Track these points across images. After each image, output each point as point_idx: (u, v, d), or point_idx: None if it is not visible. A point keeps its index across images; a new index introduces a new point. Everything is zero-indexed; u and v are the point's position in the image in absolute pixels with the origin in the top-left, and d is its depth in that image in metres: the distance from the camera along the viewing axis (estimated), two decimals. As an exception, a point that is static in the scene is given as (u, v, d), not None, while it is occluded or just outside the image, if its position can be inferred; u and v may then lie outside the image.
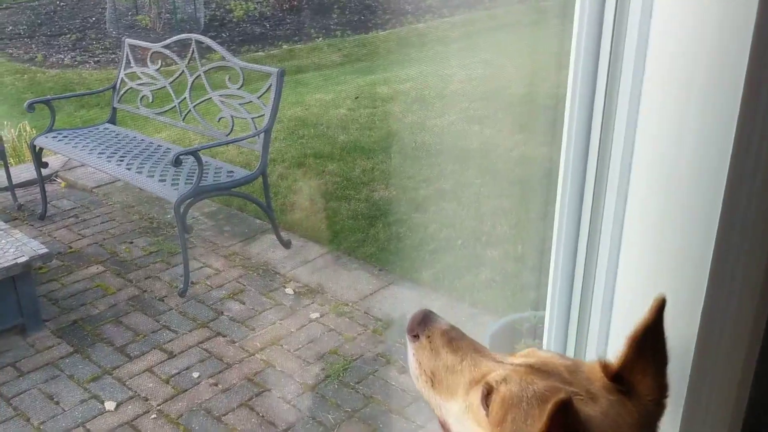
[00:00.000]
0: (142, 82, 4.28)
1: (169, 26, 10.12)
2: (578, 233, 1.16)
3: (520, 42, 9.06)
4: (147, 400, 2.73)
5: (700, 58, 0.79)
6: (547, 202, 3.95)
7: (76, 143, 3.93)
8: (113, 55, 8.97)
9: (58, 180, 4.73)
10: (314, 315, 3.25)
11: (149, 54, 4.27)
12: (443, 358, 0.77)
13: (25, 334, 3.08)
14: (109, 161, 3.70)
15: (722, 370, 0.87)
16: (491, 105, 5.81)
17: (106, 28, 10.36)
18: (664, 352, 0.71)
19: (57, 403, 2.71)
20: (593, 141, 1.11)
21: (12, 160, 5.03)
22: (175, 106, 4.07)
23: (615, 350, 1.16)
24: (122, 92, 4.36)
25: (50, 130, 4.08)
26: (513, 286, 3.35)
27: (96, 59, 9.10)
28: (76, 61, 9.01)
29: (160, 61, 4.25)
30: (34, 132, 4.88)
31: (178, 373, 2.88)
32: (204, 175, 3.46)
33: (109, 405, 2.70)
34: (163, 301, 3.37)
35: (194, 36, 4.02)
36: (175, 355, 2.99)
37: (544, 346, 1.27)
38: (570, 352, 1.24)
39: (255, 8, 11.46)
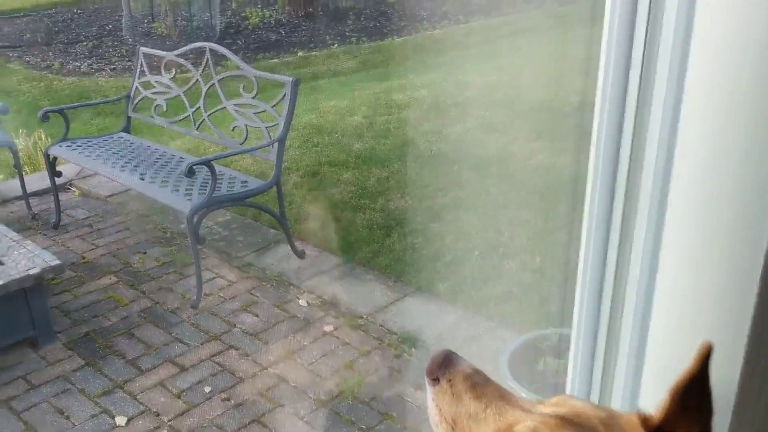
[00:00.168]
0: (156, 90, 4.25)
1: (185, 33, 10.15)
2: (606, 251, 1.10)
3: (537, 48, 8.99)
4: (158, 415, 2.69)
5: (748, 58, 0.72)
6: (566, 212, 3.87)
7: (89, 152, 3.91)
8: (129, 63, 9.00)
9: (73, 189, 4.72)
10: (328, 328, 3.19)
11: (163, 63, 4.25)
12: (466, 404, 0.71)
13: (37, 346, 3.05)
14: (123, 171, 3.67)
15: (764, 422, 0.80)
16: (508, 112, 5.74)
17: (122, 36, 10.41)
18: (709, 405, 0.64)
19: (67, 417, 2.67)
20: (623, 155, 1.04)
21: (27, 169, 5.02)
22: (189, 115, 4.04)
23: (648, 376, 1.09)
24: (136, 101, 4.34)
25: (64, 139, 4.07)
26: (532, 300, 3.27)
27: (112, 66, 9.13)
28: (92, 68, 9.05)
29: (174, 70, 4.22)
30: (49, 140, 4.88)
31: (190, 387, 2.84)
32: (217, 185, 3.42)
33: (120, 420, 2.66)
34: (175, 313, 3.33)
35: (208, 44, 3.99)
36: (187, 369, 2.94)
37: (569, 369, 1.20)
38: (597, 375, 1.18)
39: (270, 15, 11.47)
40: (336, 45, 10.14)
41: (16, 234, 3.26)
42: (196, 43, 4.16)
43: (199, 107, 3.96)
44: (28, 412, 2.69)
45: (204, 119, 3.92)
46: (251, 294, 3.47)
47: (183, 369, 2.95)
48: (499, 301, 3.28)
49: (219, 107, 3.88)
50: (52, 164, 4.02)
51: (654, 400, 1.07)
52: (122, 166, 3.72)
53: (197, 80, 4.00)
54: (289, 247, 3.73)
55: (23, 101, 7.73)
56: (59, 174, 4.13)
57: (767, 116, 0.72)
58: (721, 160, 0.80)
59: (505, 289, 3.37)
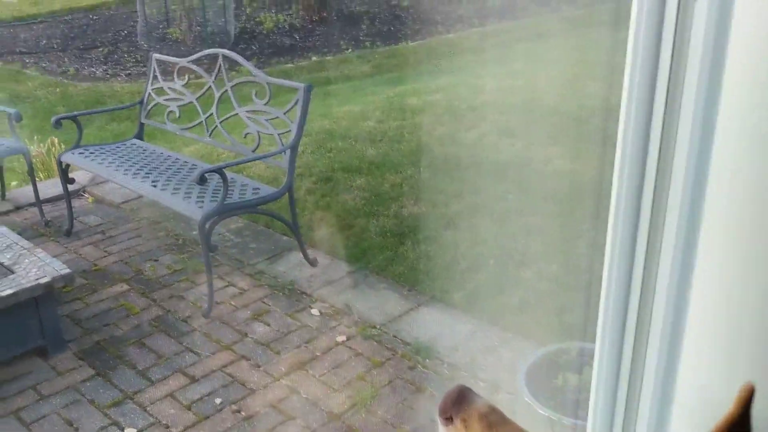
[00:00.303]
0: (169, 97, 4.23)
1: (200, 39, 10.16)
2: (633, 263, 1.04)
3: (552, 52, 8.90)
4: (168, 427, 2.65)
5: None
6: (584, 219, 3.80)
7: (102, 159, 3.89)
8: (144, 68, 9.02)
9: (86, 195, 4.71)
10: (341, 338, 3.14)
11: (176, 69, 4.22)
12: (482, 447, 0.66)
13: (47, 356, 3.02)
14: (135, 178, 3.65)
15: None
16: (524, 117, 5.67)
17: (137, 41, 10.45)
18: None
19: (76, 429, 2.64)
20: (650, 161, 0.98)
21: (41, 175, 5.02)
22: (201, 121, 4.01)
23: (679, 399, 1.02)
24: (149, 107, 4.32)
25: (77, 146, 4.05)
26: (549, 310, 3.20)
27: (127, 72, 9.16)
28: (107, 74, 9.08)
29: (187, 76, 4.20)
30: (63, 147, 4.87)
31: (200, 398, 2.80)
32: (229, 192, 3.38)
33: (130, 432, 2.63)
34: (186, 322, 3.30)
35: (221, 51, 3.96)
36: (198, 380, 2.90)
37: (593, 387, 1.14)
38: (621, 395, 1.12)
39: (285, 20, 11.47)
40: (350, 49, 10.11)
41: (27, 242, 3.24)
42: (208, 50, 4.14)
43: (211, 114, 3.94)
44: (37, 423, 2.66)
45: (216, 126, 3.89)
46: (263, 302, 3.43)
47: (194, 380, 2.91)
48: (515, 311, 3.21)
49: (231, 114, 3.85)
50: (64, 171, 4.01)
51: (683, 425, 1.01)
52: (134, 173, 3.69)
53: (210, 87, 3.97)
54: (301, 255, 3.69)
55: (39, 107, 7.76)
56: (72, 181, 4.11)
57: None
58: (765, 169, 0.74)
59: (521, 299, 3.30)
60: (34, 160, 4.98)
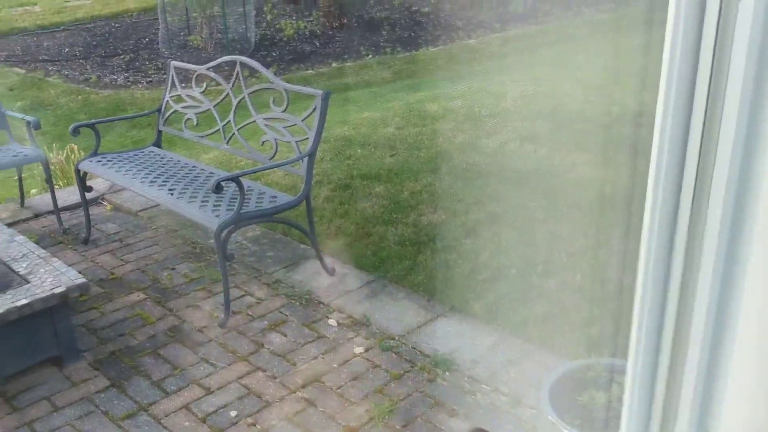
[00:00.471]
0: (187, 104, 4.21)
1: (221, 46, 10.20)
2: (669, 277, 0.97)
3: (575, 57, 8.80)
4: (182, 440, 2.60)
5: None
6: (609, 228, 3.70)
7: (119, 167, 3.87)
8: (165, 75, 9.06)
9: (105, 203, 4.70)
10: (358, 349, 3.07)
11: (194, 76, 4.20)
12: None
13: (62, 365, 2.99)
14: (152, 186, 3.62)
15: None
16: (546, 123, 5.58)
17: (158, 49, 10.50)
18: None
19: (90, 442, 2.60)
20: (689, 169, 0.92)
21: (61, 183, 5.03)
22: (219, 129, 3.97)
23: (717, 422, 0.94)
24: (167, 115, 4.30)
25: (95, 153, 4.04)
26: (573, 322, 3.11)
27: (148, 79, 9.20)
28: (129, 81, 9.13)
29: (205, 84, 4.17)
30: (82, 154, 4.88)
31: (215, 411, 2.74)
32: (246, 201, 3.34)
33: (143, 445, 2.58)
34: (202, 332, 3.25)
35: (239, 58, 3.93)
36: (213, 392, 2.85)
37: (625, 407, 1.07)
38: (655, 420, 1.04)
39: (305, 27, 11.48)
40: (370, 56, 10.08)
41: (43, 251, 3.22)
42: (226, 57, 4.10)
43: (229, 121, 3.90)
44: (50, 435, 2.63)
45: (234, 133, 3.86)
46: (280, 312, 3.37)
47: (209, 391, 2.85)
48: (538, 323, 3.12)
49: (249, 121, 3.81)
50: (82, 179, 3.99)
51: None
52: (151, 181, 3.66)
53: (228, 94, 3.94)
54: (318, 264, 3.63)
55: (60, 114, 7.82)
56: (90, 189, 4.10)
57: None
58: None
59: (544, 310, 3.21)
60: (53, 168, 4.99)
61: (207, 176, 3.78)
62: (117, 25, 12.25)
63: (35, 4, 13.92)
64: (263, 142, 3.72)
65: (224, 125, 3.94)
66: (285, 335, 3.20)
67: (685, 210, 0.91)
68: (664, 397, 1.03)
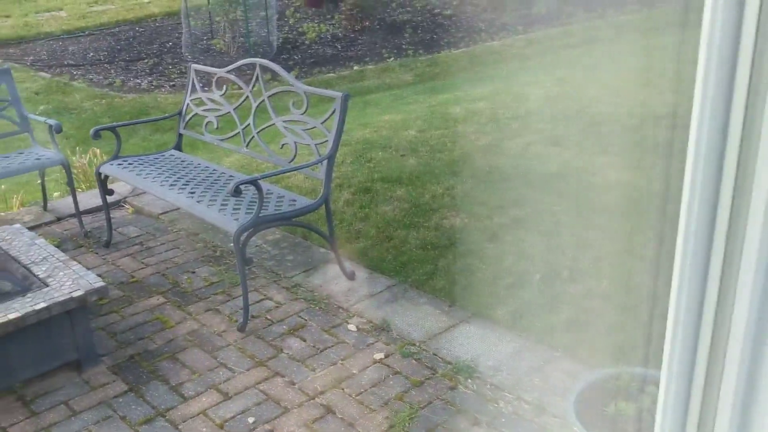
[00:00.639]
0: (207, 107, 4.19)
1: (243, 50, 10.23)
2: (706, 284, 0.91)
3: (601, 59, 8.68)
4: (199, 447, 2.56)
5: None
6: (638, 233, 3.61)
7: (140, 171, 3.86)
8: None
9: (126, 206, 4.70)
10: (378, 355, 3.02)
11: (215, 79, 4.18)
12: None
13: (81, 370, 2.98)
14: (171, 189, 3.60)
15: None
16: (571, 125, 5.48)
17: (182, 53, 10.56)
18: None
19: (107, 447, 2.58)
20: (727, 172, 0.86)
21: (83, 186, 5.05)
22: (239, 132, 3.95)
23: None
24: (188, 118, 4.29)
25: (116, 157, 4.04)
26: (599, 329, 3.02)
27: (171, 83, 9.25)
28: (152, 85, 9.19)
29: (225, 87, 4.16)
30: (104, 158, 4.88)
31: (233, 417, 2.70)
32: (265, 204, 3.30)
33: (160, 451, 2.55)
34: (221, 336, 3.22)
35: (258, 60, 3.90)
36: (231, 397, 2.82)
37: (658, 420, 1.01)
38: (692, 426, 0.98)
39: (327, 30, 11.48)
40: (392, 58, 10.04)
41: (63, 254, 3.21)
42: (246, 59, 4.08)
43: (248, 124, 3.88)
44: (68, 440, 2.61)
45: (254, 136, 3.83)
46: (299, 317, 3.33)
47: (227, 397, 2.82)
48: (563, 330, 3.05)
49: (268, 123, 3.78)
50: (103, 183, 3.99)
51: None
52: (171, 185, 3.65)
53: (247, 97, 3.91)
54: (338, 268, 3.59)
55: (85, 118, 7.88)
56: (111, 192, 4.09)
57: None
58: None
59: (569, 317, 3.13)
60: (76, 172, 5.02)
61: (227, 179, 3.75)
62: (141, 29, 12.36)
63: (61, 9, 14.10)
64: (283, 145, 3.69)
65: (244, 128, 3.92)
66: (304, 340, 3.16)
67: (723, 213, 0.86)
68: (700, 410, 0.97)
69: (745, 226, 0.83)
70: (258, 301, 3.47)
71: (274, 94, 3.81)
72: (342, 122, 3.36)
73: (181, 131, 4.30)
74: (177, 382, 2.92)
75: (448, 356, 2.97)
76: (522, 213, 4.12)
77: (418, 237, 3.94)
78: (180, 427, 2.66)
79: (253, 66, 3.92)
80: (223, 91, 4.11)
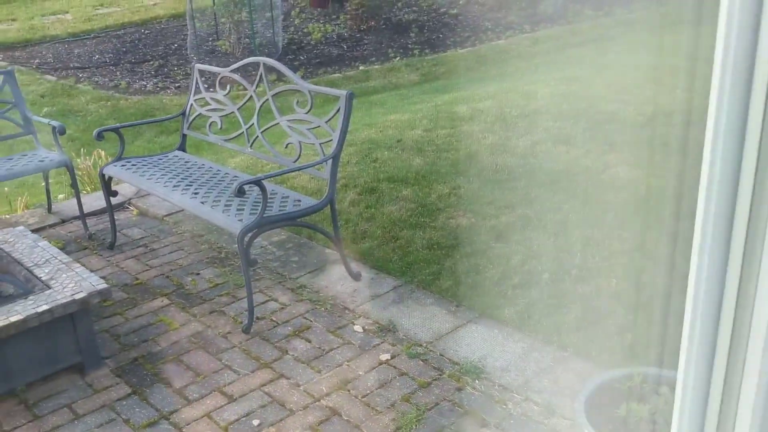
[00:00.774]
0: (211, 107, 4.16)
1: (248, 51, 10.21)
2: (724, 283, 0.87)
3: (608, 57, 8.62)
4: (203, 450, 2.53)
5: None
6: (647, 231, 3.56)
7: (143, 172, 3.83)
8: (193, 81, 9.09)
9: (131, 208, 4.68)
10: (384, 356, 2.98)
11: (218, 79, 4.15)
12: None
13: (84, 372, 2.95)
14: (175, 190, 3.57)
15: None
16: (578, 124, 5.43)
17: (187, 54, 10.55)
18: None
19: (110, 451, 2.54)
20: (746, 169, 0.82)
21: (88, 188, 5.04)
22: (243, 132, 3.92)
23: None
24: (192, 118, 4.26)
25: (119, 158, 4.01)
26: (609, 330, 2.97)
27: (177, 85, 9.24)
28: (158, 87, 9.18)
29: (229, 86, 4.13)
30: (109, 159, 4.86)
31: (238, 419, 2.67)
32: (269, 204, 3.27)
33: (164, 455, 2.52)
34: (226, 338, 3.18)
35: (262, 59, 3.87)
36: (236, 399, 2.78)
37: (675, 422, 0.97)
38: (711, 428, 0.94)
39: (333, 30, 11.46)
40: (398, 58, 10.00)
41: (66, 256, 3.18)
42: (249, 58, 4.05)
43: (252, 124, 3.84)
44: (71, 443, 2.58)
45: (258, 136, 3.80)
46: (304, 318, 3.30)
47: (231, 399, 2.78)
48: (572, 330, 3.00)
49: (273, 123, 3.75)
50: (107, 184, 3.96)
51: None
52: (174, 186, 3.62)
53: (251, 96, 3.88)
54: (344, 268, 3.55)
55: (90, 121, 7.88)
56: (114, 194, 4.07)
57: None
58: None
59: (578, 316, 3.08)
60: (81, 174, 5.00)
61: (231, 180, 3.72)
62: (146, 31, 12.36)
63: (66, 12, 14.13)
64: (287, 144, 3.65)
65: (248, 128, 3.88)
66: (309, 341, 3.12)
67: (743, 211, 0.81)
68: (719, 411, 0.93)
69: (766, 221, 0.79)
70: (263, 303, 3.44)
71: (278, 93, 3.78)
72: (346, 121, 3.32)
73: (185, 132, 4.28)
74: (181, 384, 2.89)
75: (456, 357, 2.93)
76: (529, 212, 4.07)
77: (424, 237, 3.90)
78: (184, 430, 2.63)
79: (257, 65, 3.89)
80: (226, 91, 4.08)
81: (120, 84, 9.26)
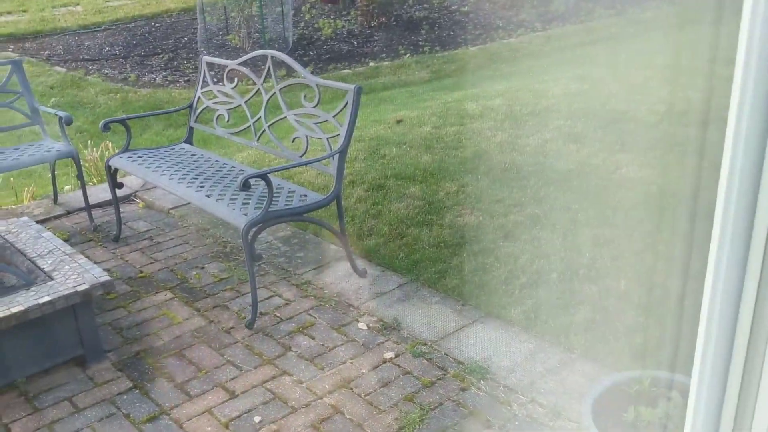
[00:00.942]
0: (218, 100, 4.13)
1: (258, 45, 10.19)
2: (743, 285, 0.83)
3: (618, 56, 8.54)
4: (203, 446, 2.50)
5: None
6: (658, 231, 3.50)
7: (149, 164, 3.80)
8: (202, 74, 9.07)
9: (137, 200, 4.66)
10: (389, 355, 2.94)
11: (226, 72, 4.12)
12: None
13: (85, 365, 2.92)
14: (180, 182, 3.54)
15: None
16: (589, 122, 5.37)
17: (197, 48, 10.54)
18: None
19: (109, 445, 2.52)
20: None
21: (95, 180, 5.02)
22: (250, 125, 3.88)
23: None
24: (199, 111, 4.23)
25: (125, 150, 3.99)
26: (617, 330, 2.92)
27: (186, 78, 9.22)
28: (167, 80, 9.17)
29: (236, 80, 4.09)
30: (116, 151, 4.84)
31: (239, 416, 2.64)
32: (275, 199, 3.23)
33: (164, 450, 2.49)
34: (229, 333, 3.15)
35: (269, 52, 3.83)
36: (237, 395, 2.75)
37: (688, 426, 0.93)
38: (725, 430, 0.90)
39: (343, 26, 11.42)
40: (408, 55, 9.95)
41: (69, 247, 3.16)
42: (257, 51, 4.01)
43: (260, 117, 3.81)
44: (70, 437, 2.56)
45: (265, 130, 3.76)
46: (308, 314, 3.26)
47: (233, 395, 2.75)
48: (579, 331, 2.95)
49: (280, 117, 3.71)
50: (113, 176, 3.94)
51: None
52: (180, 178, 3.59)
53: (258, 89, 3.85)
54: (349, 265, 3.51)
55: (99, 113, 7.87)
56: (120, 185, 4.04)
57: None
58: None
59: (586, 317, 3.03)
60: (87, 165, 4.98)
61: (237, 174, 3.69)
62: (156, 24, 12.36)
63: (77, 4, 14.15)
64: (294, 139, 3.62)
65: (255, 121, 3.85)
66: (313, 338, 3.08)
67: (764, 210, 0.77)
68: (734, 417, 0.89)
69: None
70: (267, 298, 3.40)
71: (285, 87, 3.74)
72: (354, 116, 3.28)
73: (192, 124, 4.25)
74: (183, 379, 2.86)
75: (460, 356, 2.89)
76: (538, 211, 4.02)
77: (431, 235, 3.85)
78: (184, 425, 2.60)
79: (265, 58, 3.85)
80: (234, 84, 4.04)
81: (129, 77, 9.25)
